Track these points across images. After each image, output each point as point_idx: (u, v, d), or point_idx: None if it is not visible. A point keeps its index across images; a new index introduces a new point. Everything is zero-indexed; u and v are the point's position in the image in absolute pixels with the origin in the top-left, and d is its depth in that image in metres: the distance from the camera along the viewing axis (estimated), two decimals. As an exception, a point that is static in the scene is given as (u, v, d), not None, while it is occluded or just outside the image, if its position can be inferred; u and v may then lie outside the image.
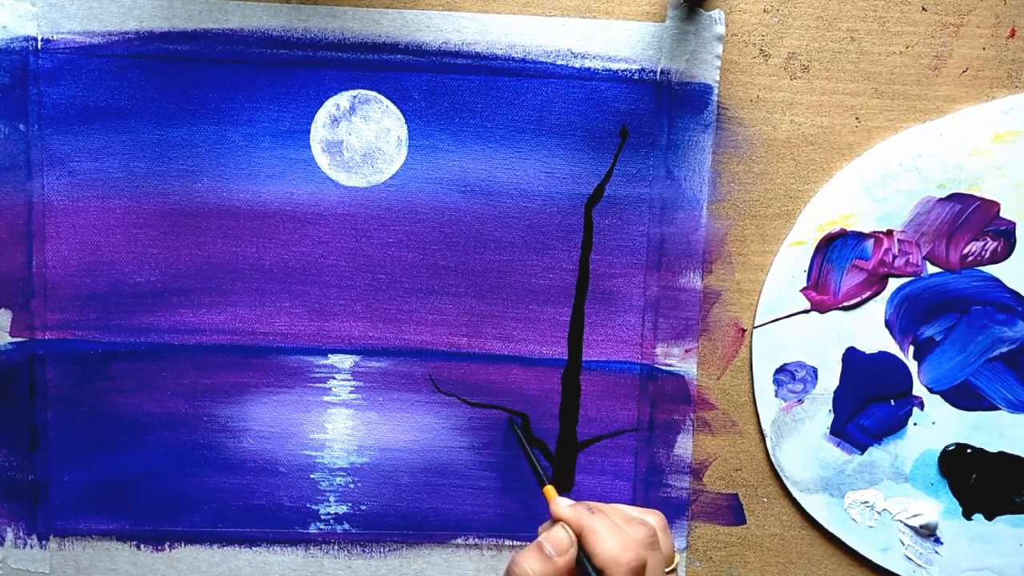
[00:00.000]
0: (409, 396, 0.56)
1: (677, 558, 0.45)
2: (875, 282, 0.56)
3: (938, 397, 0.56)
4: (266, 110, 0.53)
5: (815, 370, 0.56)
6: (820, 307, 0.56)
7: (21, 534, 0.55)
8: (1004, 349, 0.56)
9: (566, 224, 0.55)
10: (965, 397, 0.56)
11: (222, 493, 0.56)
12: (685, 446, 0.57)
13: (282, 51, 0.52)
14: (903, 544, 0.57)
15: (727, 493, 0.58)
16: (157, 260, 0.54)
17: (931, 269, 0.55)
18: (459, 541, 0.57)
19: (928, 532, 0.57)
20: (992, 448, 0.57)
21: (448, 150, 0.54)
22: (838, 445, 0.57)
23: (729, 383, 0.57)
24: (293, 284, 0.54)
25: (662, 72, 0.53)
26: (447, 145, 0.54)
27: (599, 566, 0.41)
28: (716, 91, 0.54)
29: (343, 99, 0.53)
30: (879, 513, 0.57)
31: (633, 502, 0.57)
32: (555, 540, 0.43)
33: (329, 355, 0.55)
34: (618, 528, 0.42)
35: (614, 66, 0.53)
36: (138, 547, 0.56)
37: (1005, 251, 0.55)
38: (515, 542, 0.57)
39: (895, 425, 0.56)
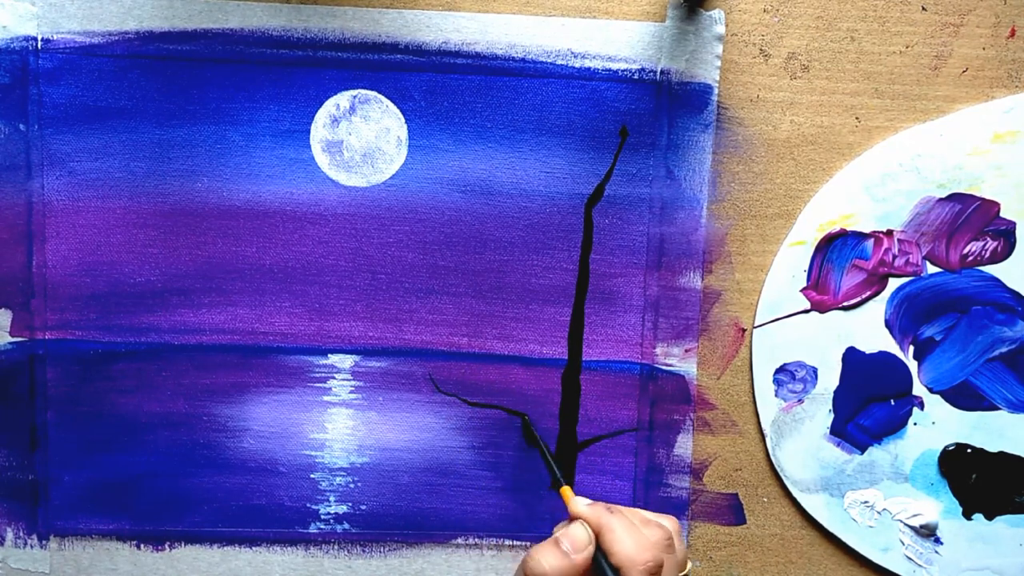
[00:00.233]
0: (409, 396, 0.56)
1: (689, 565, 0.46)
2: (875, 282, 0.56)
3: (938, 397, 0.56)
4: (266, 110, 0.53)
5: (815, 370, 0.56)
6: (820, 307, 0.56)
7: (21, 534, 0.55)
8: (1004, 349, 0.56)
9: (566, 224, 0.55)
10: (965, 397, 0.56)
11: (222, 493, 0.56)
12: (685, 446, 0.57)
13: (282, 51, 0.52)
14: (903, 544, 0.57)
15: (727, 493, 0.58)
16: (157, 260, 0.54)
17: (931, 269, 0.55)
18: (459, 541, 0.57)
19: (928, 532, 0.57)
20: (992, 448, 0.57)
21: (448, 150, 0.54)
22: (838, 445, 0.57)
23: (729, 383, 0.57)
24: (293, 284, 0.54)
25: (662, 72, 0.53)
26: (447, 145, 0.54)
27: (616, 564, 0.41)
28: (716, 91, 0.54)
29: (343, 99, 0.53)
30: (879, 513, 0.57)
31: (633, 502, 0.57)
32: (573, 537, 0.43)
33: (329, 355, 0.55)
34: (636, 528, 0.43)
35: (614, 66, 0.53)
36: (138, 547, 0.56)
37: (1005, 251, 0.55)
38: (515, 542, 0.57)
39: (895, 425, 0.56)
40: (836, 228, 0.55)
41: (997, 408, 0.56)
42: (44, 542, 0.55)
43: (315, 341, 0.55)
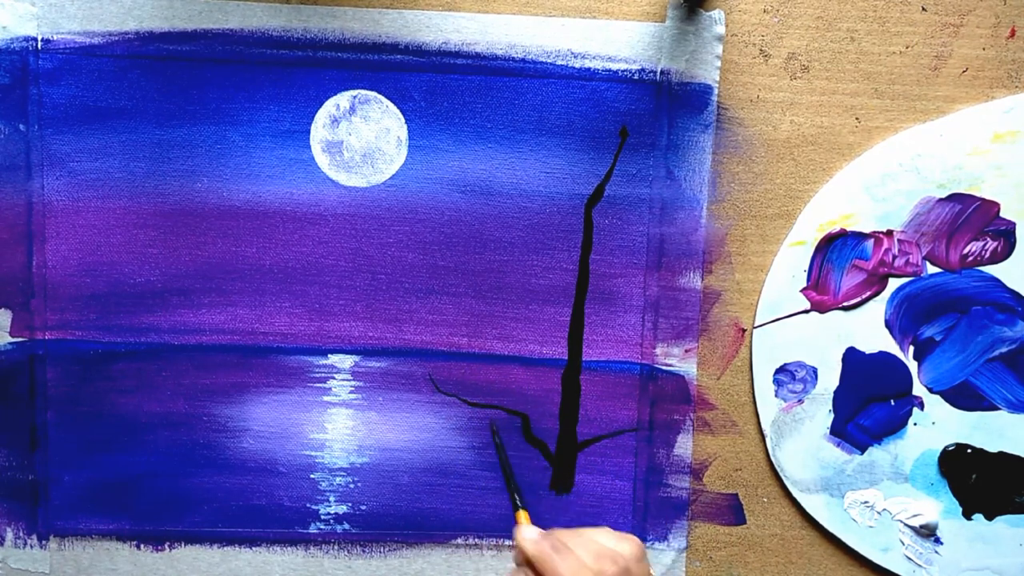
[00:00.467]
0: (409, 396, 0.56)
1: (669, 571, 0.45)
2: (875, 282, 0.56)
3: (938, 397, 0.56)
4: (266, 110, 0.53)
5: (815, 370, 0.56)
6: (820, 307, 0.56)
7: (21, 534, 0.55)
8: (1004, 349, 0.56)
9: (566, 224, 0.55)
10: (965, 397, 0.56)
11: (222, 493, 0.56)
12: (685, 446, 0.57)
13: (282, 51, 0.52)
14: (903, 544, 0.57)
15: (727, 493, 0.58)
16: (157, 260, 0.54)
17: (931, 269, 0.55)
18: (459, 541, 0.57)
19: (928, 532, 0.57)
20: (992, 448, 0.57)
21: (448, 150, 0.54)
22: (838, 445, 0.57)
23: (729, 383, 0.57)
24: (293, 284, 0.54)
25: (662, 72, 0.53)
26: (447, 145, 0.54)
27: None
28: (716, 91, 0.54)
29: (343, 99, 0.53)
30: (879, 513, 0.57)
31: (633, 502, 0.57)
32: None
33: (329, 355, 0.55)
34: (581, 568, 0.42)
35: (614, 66, 0.53)
36: (138, 547, 0.56)
37: (1005, 251, 0.55)
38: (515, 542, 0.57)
39: (895, 425, 0.56)
40: (836, 228, 0.55)
41: (997, 408, 0.56)
42: (44, 542, 0.55)
43: (315, 341, 0.55)
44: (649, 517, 0.57)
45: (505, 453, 0.53)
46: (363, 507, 0.56)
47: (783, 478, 0.57)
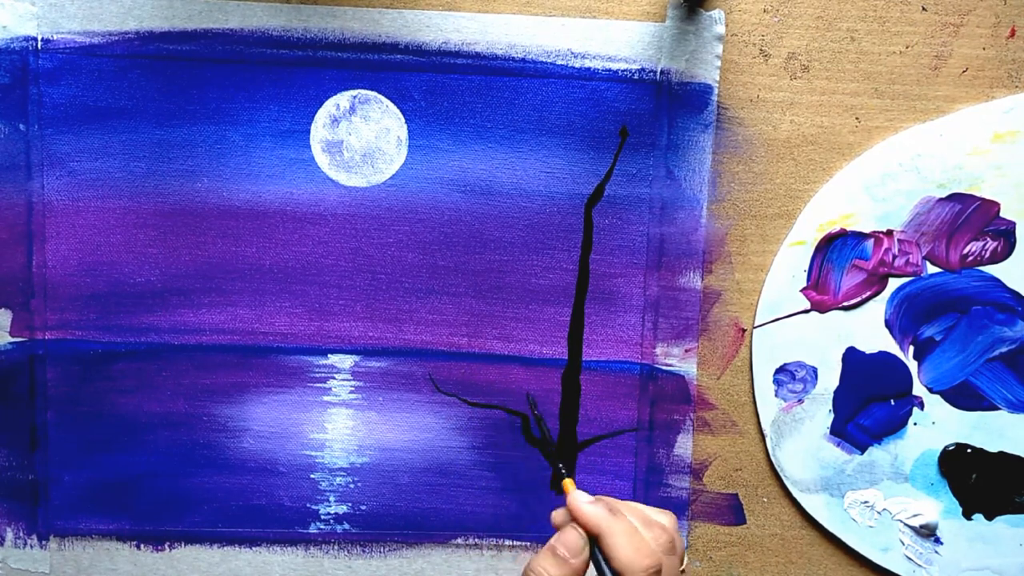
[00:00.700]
0: (409, 396, 0.56)
1: (687, 559, 0.46)
2: (875, 282, 0.56)
3: (938, 397, 0.56)
4: (266, 110, 0.53)
5: (815, 370, 0.56)
6: (820, 307, 0.56)
7: (21, 534, 0.55)
8: (1004, 349, 0.56)
9: (566, 224, 0.55)
10: (965, 397, 0.56)
11: (222, 493, 0.56)
12: (685, 446, 0.57)
13: (282, 51, 0.52)
14: (903, 544, 0.57)
15: (727, 493, 0.58)
16: (157, 260, 0.54)
17: (931, 269, 0.55)
18: (459, 541, 0.57)
19: (928, 532, 0.57)
20: (992, 448, 0.57)
21: (448, 150, 0.54)
22: (838, 445, 0.57)
23: (729, 383, 0.57)
24: (293, 284, 0.54)
25: (662, 72, 0.53)
26: (447, 145, 0.54)
27: (616, 569, 0.41)
28: (716, 91, 0.54)
29: (343, 99, 0.53)
30: (879, 513, 0.57)
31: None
32: (568, 543, 0.43)
33: (329, 355, 0.55)
34: (635, 532, 0.42)
35: (614, 66, 0.53)
36: (138, 547, 0.56)
37: (1005, 251, 0.55)
38: (515, 542, 0.57)
39: (895, 425, 0.56)
40: (836, 228, 0.55)
41: (997, 408, 0.56)
42: (44, 542, 0.55)
43: (315, 341, 0.55)
44: (649, 517, 0.57)
45: (545, 424, 0.53)
46: (363, 507, 0.56)
47: (783, 478, 0.57)
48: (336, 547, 0.57)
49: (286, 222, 0.54)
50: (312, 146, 0.53)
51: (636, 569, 0.41)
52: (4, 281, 0.53)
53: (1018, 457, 0.57)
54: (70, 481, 0.55)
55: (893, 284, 0.56)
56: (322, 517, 0.56)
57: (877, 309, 0.56)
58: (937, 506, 0.57)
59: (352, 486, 0.56)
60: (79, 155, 0.52)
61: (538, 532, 0.57)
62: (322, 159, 0.53)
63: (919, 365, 0.56)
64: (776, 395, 0.56)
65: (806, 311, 0.56)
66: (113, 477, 0.55)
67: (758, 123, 0.55)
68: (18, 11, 0.51)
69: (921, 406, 0.56)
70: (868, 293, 0.56)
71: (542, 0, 0.53)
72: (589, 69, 0.53)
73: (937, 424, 0.56)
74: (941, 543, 0.57)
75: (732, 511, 0.58)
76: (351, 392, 0.55)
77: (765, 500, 0.58)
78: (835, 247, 0.55)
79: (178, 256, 0.54)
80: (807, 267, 0.55)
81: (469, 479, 0.56)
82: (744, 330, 0.56)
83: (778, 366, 0.56)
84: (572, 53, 0.53)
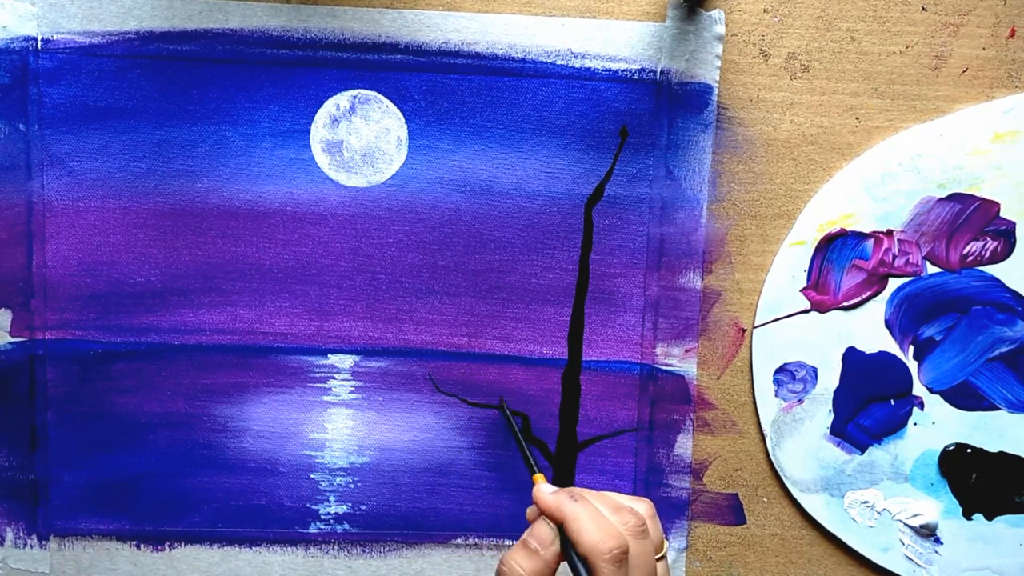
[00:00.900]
0: (409, 396, 0.56)
1: (666, 545, 0.45)
2: (875, 282, 0.56)
3: (938, 397, 0.56)
4: (266, 110, 0.53)
5: (815, 370, 0.56)
6: (820, 307, 0.56)
7: (21, 534, 0.55)
8: (1004, 349, 0.56)
9: (566, 224, 0.55)
10: (965, 397, 0.56)
11: (222, 493, 0.56)
12: (685, 446, 0.57)
13: (282, 51, 0.52)
14: (903, 544, 0.57)
15: (727, 493, 0.58)
16: (157, 260, 0.54)
17: (931, 269, 0.55)
18: (459, 541, 0.57)
19: (928, 532, 0.57)
20: (992, 448, 0.57)
21: (448, 150, 0.54)
22: (838, 445, 0.57)
23: (729, 383, 0.57)
24: (293, 284, 0.54)
25: (662, 72, 0.53)
26: (447, 145, 0.54)
27: (581, 554, 0.41)
28: (716, 91, 0.54)
29: (343, 99, 0.53)
30: (879, 513, 0.57)
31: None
32: (538, 534, 0.43)
33: (329, 355, 0.55)
34: (599, 516, 0.42)
35: (614, 66, 0.53)
36: (138, 547, 0.56)
37: (1005, 251, 0.55)
38: (515, 542, 0.57)
39: (895, 425, 0.56)
40: (836, 228, 0.55)
41: (997, 408, 0.56)
42: (44, 542, 0.55)
43: (315, 341, 0.55)
44: (649, 517, 0.57)
45: (514, 425, 0.53)
46: (363, 507, 0.56)
47: (783, 478, 0.57)
48: (336, 547, 0.57)
49: (286, 222, 0.54)
50: (312, 146, 0.53)
51: (599, 551, 0.40)
52: (4, 281, 0.53)
53: (1018, 457, 0.57)
54: (70, 481, 0.55)
55: (893, 284, 0.56)
56: (322, 517, 0.56)
57: (877, 309, 0.56)
58: (937, 506, 0.57)
59: (352, 486, 0.56)
60: (79, 155, 0.52)
61: (526, 515, 0.57)
62: (322, 159, 0.53)
63: (919, 365, 0.56)
64: (776, 395, 0.56)
65: (806, 311, 0.56)
66: (113, 477, 0.55)
67: (758, 123, 0.55)
68: (18, 11, 0.51)
69: (921, 406, 0.56)
70: (868, 293, 0.56)
71: (542, 0, 0.53)
72: (589, 69, 0.53)
73: (937, 424, 0.56)
74: (941, 543, 0.57)
75: (732, 511, 0.58)
76: (351, 392, 0.55)
77: (765, 500, 0.58)
78: (835, 247, 0.55)
79: (178, 256, 0.54)
80: (807, 267, 0.55)
81: (469, 479, 0.56)
82: (744, 330, 0.56)
83: (778, 366, 0.56)
84: (572, 53, 0.53)
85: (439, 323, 0.55)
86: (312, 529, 0.56)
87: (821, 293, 0.56)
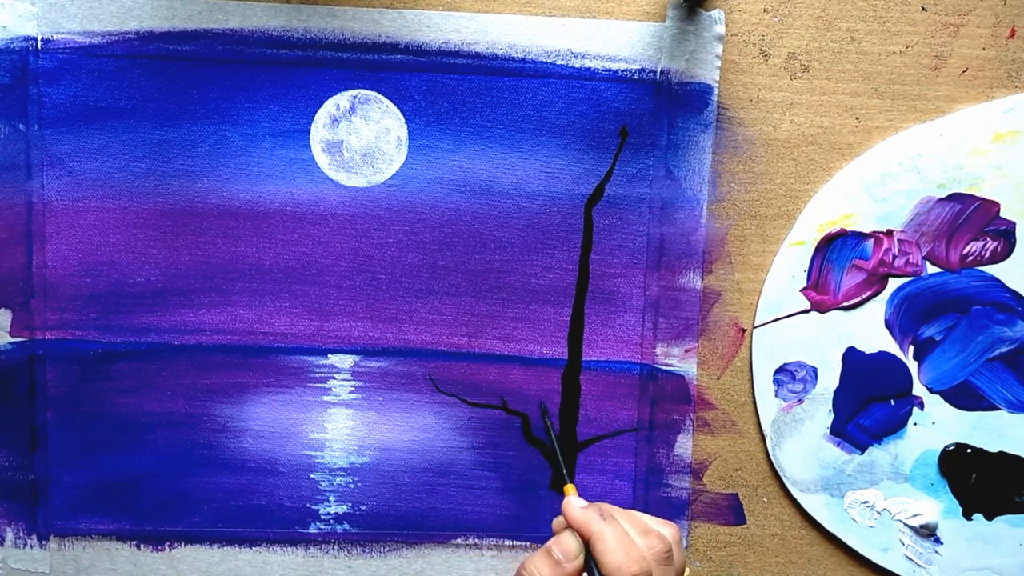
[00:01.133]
0: (409, 396, 0.56)
1: (687, 572, 0.45)
2: (875, 282, 0.56)
3: (938, 397, 0.56)
4: (266, 110, 0.53)
5: (815, 370, 0.56)
6: (820, 307, 0.56)
7: (21, 534, 0.55)
8: (1004, 349, 0.56)
9: (566, 224, 0.55)
10: (965, 397, 0.56)
11: (222, 493, 0.56)
12: (685, 446, 0.57)
13: (282, 51, 0.52)
14: (903, 544, 0.57)
15: (727, 493, 0.58)
16: (157, 260, 0.54)
17: (931, 269, 0.55)
18: (459, 541, 0.57)
19: (928, 532, 0.57)
20: (992, 448, 0.57)
21: (448, 150, 0.54)
22: (838, 445, 0.57)
23: (729, 383, 0.57)
24: (293, 284, 0.54)
25: (662, 72, 0.53)
26: (447, 145, 0.54)
27: (604, 573, 0.41)
28: (716, 91, 0.54)
29: (343, 99, 0.53)
30: (879, 513, 0.57)
31: (633, 502, 0.57)
32: (564, 546, 0.43)
33: (329, 355, 0.55)
34: (627, 538, 0.42)
35: (614, 66, 0.53)
36: (138, 547, 0.56)
37: (1005, 251, 0.55)
38: (515, 542, 0.57)
39: (895, 425, 0.56)
40: (836, 228, 0.55)
41: (997, 408, 0.56)
42: (44, 542, 0.55)
43: (315, 341, 0.55)
44: (649, 517, 0.57)
45: (552, 432, 0.52)
46: (363, 507, 0.56)
47: (783, 478, 0.57)
48: (336, 547, 0.57)
49: (286, 222, 0.54)
50: (312, 146, 0.53)
51: (623, 574, 0.40)
52: (4, 281, 0.53)
53: (1018, 457, 0.57)
54: (70, 481, 0.55)
55: (893, 284, 0.56)
56: (322, 517, 0.56)
57: (877, 309, 0.56)
58: (937, 506, 0.57)
59: (352, 486, 0.56)
60: (79, 155, 0.52)
61: (538, 532, 0.57)
62: (322, 159, 0.54)
63: (919, 365, 0.56)
64: (776, 395, 0.56)
65: (806, 311, 0.56)
66: (113, 477, 0.55)
67: (758, 123, 0.55)
68: (18, 11, 0.51)
69: (921, 406, 0.56)
70: (868, 293, 0.56)
71: (542, 0, 0.53)
72: (589, 69, 0.53)
73: (937, 424, 0.56)
74: (941, 543, 0.57)
75: (732, 511, 0.58)
76: (351, 392, 0.55)
77: (765, 500, 0.58)
78: (835, 247, 0.55)
79: (178, 256, 0.54)
80: (807, 267, 0.55)
81: (469, 479, 0.56)
82: (744, 330, 0.56)
83: (778, 366, 0.56)
84: (572, 53, 0.53)
85: (439, 323, 0.55)
86: (312, 529, 0.56)
87: (821, 293, 0.56)
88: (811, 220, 0.55)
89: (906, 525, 0.57)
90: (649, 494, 0.57)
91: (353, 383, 0.55)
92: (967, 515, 0.57)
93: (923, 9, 0.54)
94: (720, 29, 0.53)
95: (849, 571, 0.58)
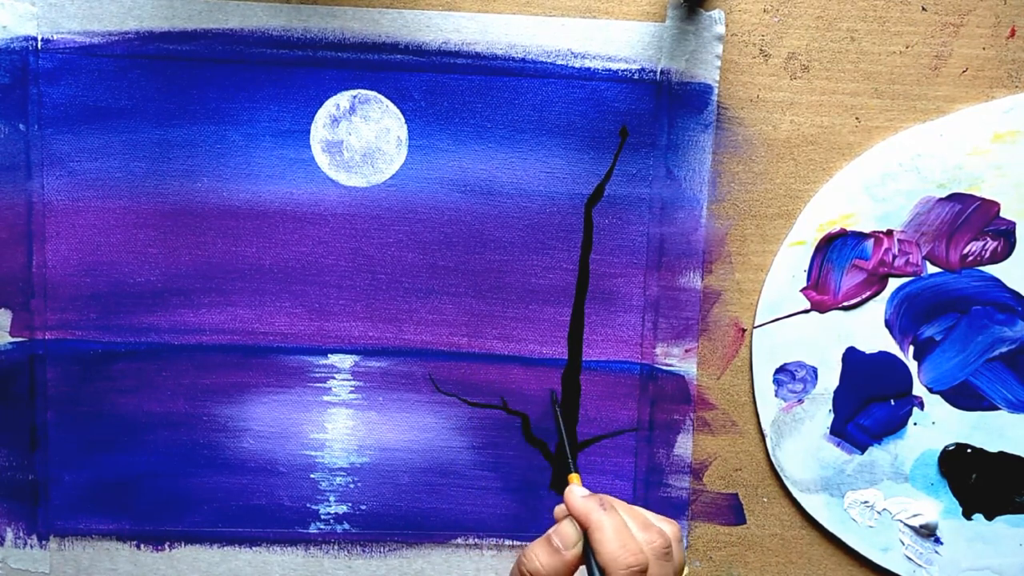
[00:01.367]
0: (409, 396, 0.56)
1: (686, 570, 0.45)
2: (875, 282, 0.56)
3: (938, 397, 0.56)
4: (266, 110, 0.53)
5: (815, 370, 0.56)
6: (820, 307, 0.56)
7: (21, 534, 0.55)
8: (1004, 349, 0.56)
9: (566, 224, 0.55)
10: (965, 397, 0.56)
11: (222, 493, 0.56)
12: (685, 446, 0.57)
13: (282, 51, 0.52)
14: (903, 544, 0.57)
15: (727, 493, 0.58)
16: (157, 260, 0.54)
17: (931, 269, 0.55)
18: (459, 541, 0.57)
19: (928, 532, 0.57)
20: (992, 448, 0.57)
21: (448, 150, 0.54)
22: (838, 445, 0.57)
23: (729, 383, 0.57)
24: (293, 284, 0.54)
25: (662, 72, 0.53)
26: (447, 145, 0.54)
27: (600, 564, 0.41)
28: (716, 91, 0.54)
29: (343, 99, 0.53)
30: (879, 513, 0.57)
31: (633, 502, 0.57)
32: (563, 534, 0.43)
33: (329, 355, 0.55)
34: (625, 530, 0.42)
35: (614, 66, 0.53)
36: (138, 547, 0.56)
37: (1005, 251, 0.55)
38: (515, 542, 0.57)
39: (895, 425, 0.56)
40: (836, 228, 0.55)
41: (997, 408, 0.56)
42: (44, 542, 0.55)
43: (315, 341, 0.55)
44: (649, 517, 0.57)
45: (560, 421, 0.53)
46: (363, 507, 0.56)
47: (783, 478, 0.57)
48: (336, 547, 0.57)
49: (286, 222, 0.54)
50: (312, 146, 0.53)
51: (618, 565, 0.40)
52: (4, 281, 0.53)
53: (1018, 457, 0.57)
54: (70, 481, 0.55)
55: (893, 284, 0.56)
56: (322, 517, 0.56)
57: (877, 309, 0.56)
58: (937, 506, 0.57)
59: (352, 486, 0.56)
60: (79, 155, 0.52)
61: (538, 532, 0.57)
62: (322, 159, 0.54)
63: (919, 365, 0.56)
64: (776, 395, 0.56)
65: (806, 311, 0.56)
66: (113, 477, 0.55)
67: (758, 123, 0.55)
68: (18, 11, 0.51)
69: (921, 406, 0.56)
70: (868, 293, 0.56)
71: (542, 0, 0.53)
72: (589, 69, 0.53)
73: (937, 424, 0.56)
74: (941, 543, 0.57)
75: (732, 511, 0.58)
76: (351, 392, 0.55)
77: (765, 500, 0.58)
78: (835, 247, 0.55)
79: (178, 256, 0.54)
80: (807, 267, 0.55)
81: (469, 479, 0.56)
82: (744, 330, 0.56)
83: (778, 366, 0.56)
84: (572, 53, 0.53)
85: (439, 323, 0.55)
86: (312, 529, 0.56)
87: (821, 293, 0.56)
88: (811, 220, 0.55)
89: (906, 525, 0.57)
90: (649, 494, 0.57)
91: (353, 383, 0.55)
92: (967, 515, 0.57)
93: (923, 9, 0.54)
94: (720, 29, 0.53)
95: (849, 571, 0.58)
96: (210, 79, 0.52)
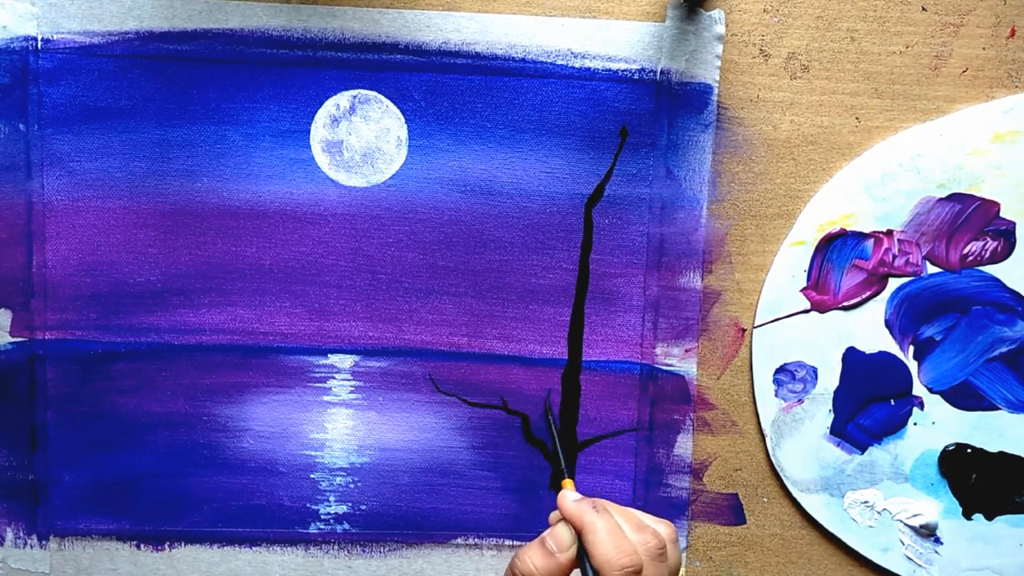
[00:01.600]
0: (409, 396, 0.56)
1: (683, 571, 0.45)
2: (875, 282, 0.56)
3: (938, 397, 0.56)
4: (266, 110, 0.53)
5: (815, 370, 0.56)
6: (820, 307, 0.56)
7: (21, 534, 0.55)
8: (1004, 349, 0.56)
9: (566, 224, 0.55)
10: (965, 397, 0.56)
11: (222, 493, 0.56)
12: (685, 446, 0.57)
13: (282, 51, 0.52)
14: (903, 544, 0.57)
15: (727, 493, 0.58)
16: (157, 260, 0.54)
17: (931, 269, 0.55)
18: (459, 541, 0.57)
19: (928, 532, 0.57)
20: (992, 448, 0.57)
21: (448, 150, 0.54)
22: (838, 445, 0.57)
23: (729, 383, 0.57)
24: (293, 284, 0.54)
25: (662, 72, 0.53)
26: (447, 145, 0.54)
27: (594, 566, 0.41)
28: (716, 91, 0.54)
29: (343, 99, 0.53)
30: (879, 513, 0.57)
31: (633, 502, 0.57)
32: (557, 537, 0.43)
33: (329, 355, 0.55)
34: (618, 531, 0.42)
35: (614, 66, 0.53)
36: (138, 547, 0.56)
37: (1005, 251, 0.55)
38: (515, 542, 0.57)
39: (895, 425, 0.56)
40: (836, 228, 0.55)
41: (997, 408, 0.56)
42: (44, 542, 0.55)
43: (315, 341, 0.55)
44: (649, 517, 0.57)
45: (554, 427, 0.53)
46: (363, 507, 0.56)
47: (783, 478, 0.57)
48: (336, 547, 0.57)
49: (286, 222, 0.54)
50: (312, 146, 0.53)
51: (613, 566, 0.40)
52: (4, 281, 0.53)
53: (1018, 457, 0.57)
54: (70, 481, 0.55)
55: (893, 284, 0.56)
56: (322, 517, 0.56)
57: (877, 309, 0.56)
58: (937, 506, 0.57)
59: (352, 486, 0.56)
60: (79, 155, 0.52)
61: (538, 532, 0.57)
62: (322, 159, 0.54)
63: (919, 365, 0.56)
64: (776, 395, 0.56)
65: (806, 311, 0.56)
66: (113, 477, 0.55)
67: (758, 123, 0.55)
68: (18, 11, 0.51)
69: (921, 406, 0.56)
70: (868, 293, 0.56)
71: (542, 0, 0.53)
72: (589, 69, 0.53)
73: (937, 424, 0.56)
74: (941, 543, 0.57)
75: (732, 511, 0.58)
76: (351, 392, 0.55)
77: (765, 500, 0.58)
78: (835, 247, 0.55)
79: (178, 256, 0.54)
80: (807, 267, 0.55)
81: (469, 479, 0.56)
82: (744, 330, 0.56)
83: (778, 366, 0.56)
84: (572, 53, 0.53)
85: (439, 323, 0.55)
86: (312, 529, 0.56)
87: (821, 293, 0.56)
88: (811, 220, 0.55)
89: (906, 525, 0.57)
90: (649, 494, 0.57)
91: (353, 383, 0.55)
92: (967, 515, 0.57)
93: (923, 9, 0.54)
94: (720, 29, 0.53)
95: (849, 571, 0.58)
96: (210, 79, 0.52)
